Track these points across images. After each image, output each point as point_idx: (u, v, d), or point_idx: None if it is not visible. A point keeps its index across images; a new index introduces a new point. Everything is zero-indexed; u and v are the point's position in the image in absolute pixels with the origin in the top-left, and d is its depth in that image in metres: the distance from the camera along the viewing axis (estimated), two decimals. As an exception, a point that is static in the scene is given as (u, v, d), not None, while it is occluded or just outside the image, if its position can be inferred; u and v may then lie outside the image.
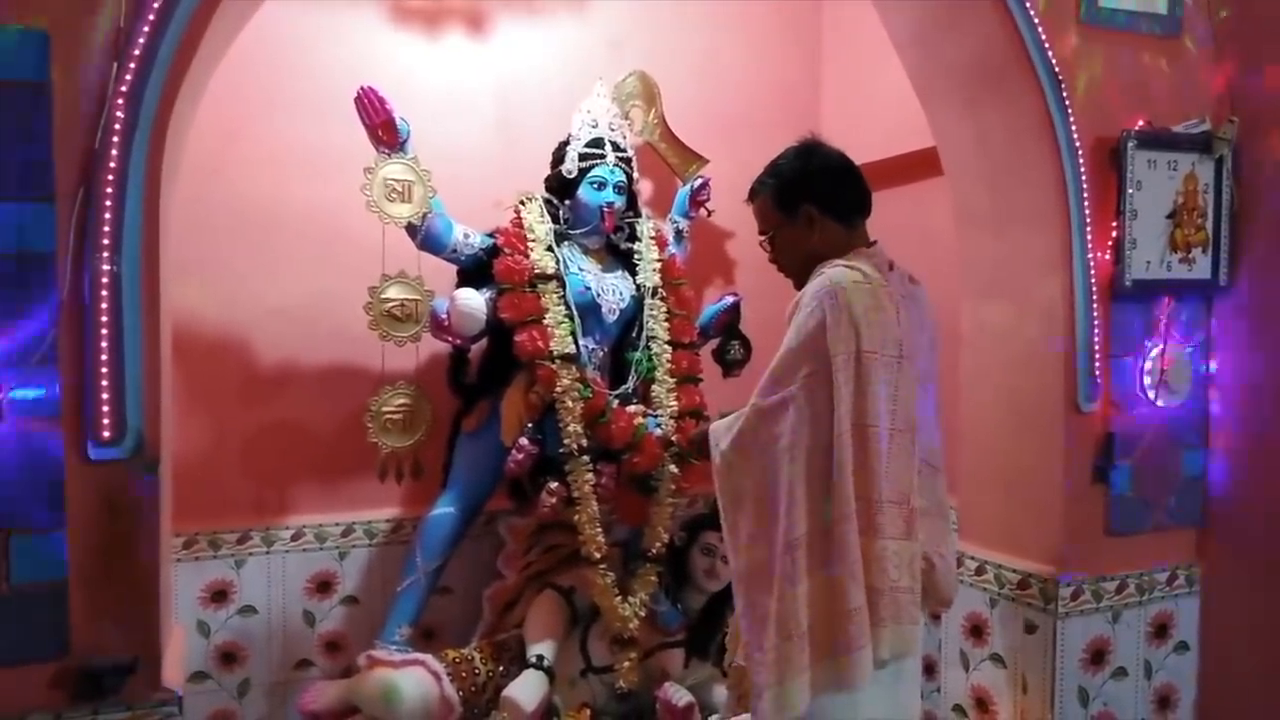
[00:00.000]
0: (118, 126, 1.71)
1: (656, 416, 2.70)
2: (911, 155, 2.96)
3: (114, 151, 1.71)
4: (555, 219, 2.77)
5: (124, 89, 1.72)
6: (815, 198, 1.84)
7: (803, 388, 1.68)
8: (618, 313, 2.76)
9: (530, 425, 2.61)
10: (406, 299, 2.56)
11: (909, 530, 1.76)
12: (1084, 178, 2.38)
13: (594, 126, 2.79)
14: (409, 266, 2.56)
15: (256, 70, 2.73)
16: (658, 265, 2.85)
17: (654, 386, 2.75)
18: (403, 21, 2.95)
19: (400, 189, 2.49)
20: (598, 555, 2.59)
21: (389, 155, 2.48)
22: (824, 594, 1.67)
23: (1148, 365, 2.49)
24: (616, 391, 2.72)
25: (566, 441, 2.57)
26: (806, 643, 1.66)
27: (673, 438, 2.61)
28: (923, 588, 1.82)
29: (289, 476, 2.88)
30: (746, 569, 1.75)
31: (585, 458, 2.58)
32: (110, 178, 1.71)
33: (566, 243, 2.77)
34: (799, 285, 1.85)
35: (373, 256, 2.50)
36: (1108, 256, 2.43)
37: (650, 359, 2.77)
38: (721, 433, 1.81)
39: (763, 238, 1.94)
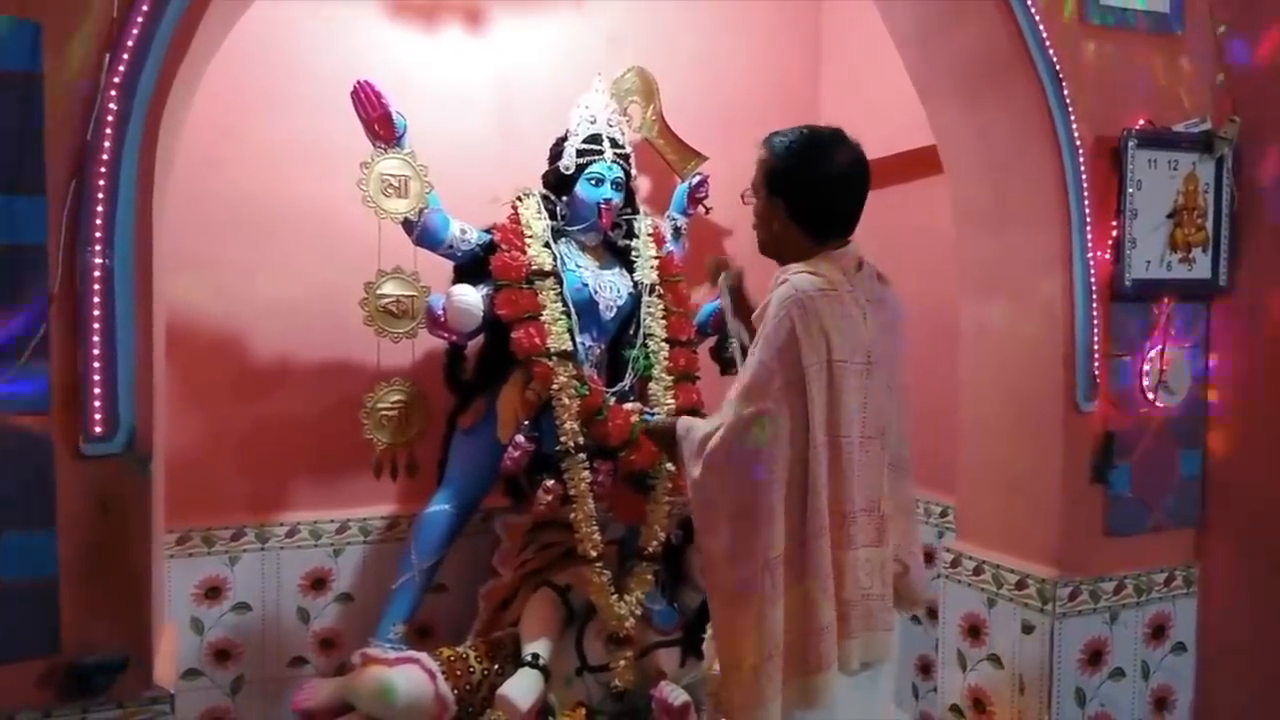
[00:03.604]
0: (110, 118, 1.69)
1: (654, 414, 2.69)
2: (911, 153, 2.95)
3: (107, 144, 1.69)
4: (553, 215, 2.76)
5: (117, 80, 1.70)
6: (786, 200, 1.81)
7: (776, 400, 1.65)
8: (615, 310, 2.75)
9: (527, 423, 2.60)
10: (403, 295, 2.55)
11: (880, 537, 1.77)
12: (1084, 176, 2.37)
13: (592, 122, 2.77)
14: (405, 262, 2.55)
15: (253, 64, 2.72)
16: (655, 262, 2.84)
17: (651, 384, 2.74)
18: (400, 16, 2.94)
19: (397, 184, 2.48)
20: (594, 553, 2.58)
21: (385, 150, 2.46)
22: (798, 609, 1.66)
23: (1147, 365, 2.48)
24: (613, 389, 2.71)
25: (563, 439, 2.56)
26: (783, 662, 1.65)
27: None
28: (897, 592, 1.82)
29: (283, 473, 2.87)
30: (723, 585, 1.73)
31: (582, 455, 2.57)
32: (103, 170, 1.69)
33: (564, 239, 2.75)
34: (760, 249, 1.88)
35: (369, 252, 2.49)
36: (1107, 256, 2.42)
37: (647, 356, 2.76)
38: (695, 444, 1.76)
39: (747, 191, 1.91)
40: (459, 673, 2.53)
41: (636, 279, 2.81)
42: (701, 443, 1.74)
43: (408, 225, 2.53)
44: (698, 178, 3.06)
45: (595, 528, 2.59)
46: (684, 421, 1.86)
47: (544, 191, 2.80)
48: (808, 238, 1.80)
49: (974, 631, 2.56)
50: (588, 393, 2.59)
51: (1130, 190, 2.41)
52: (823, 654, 1.65)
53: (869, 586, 1.73)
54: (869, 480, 1.74)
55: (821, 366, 1.67)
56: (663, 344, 2.78)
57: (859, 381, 1.71)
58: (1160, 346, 2.48)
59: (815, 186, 1.80)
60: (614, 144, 2.77)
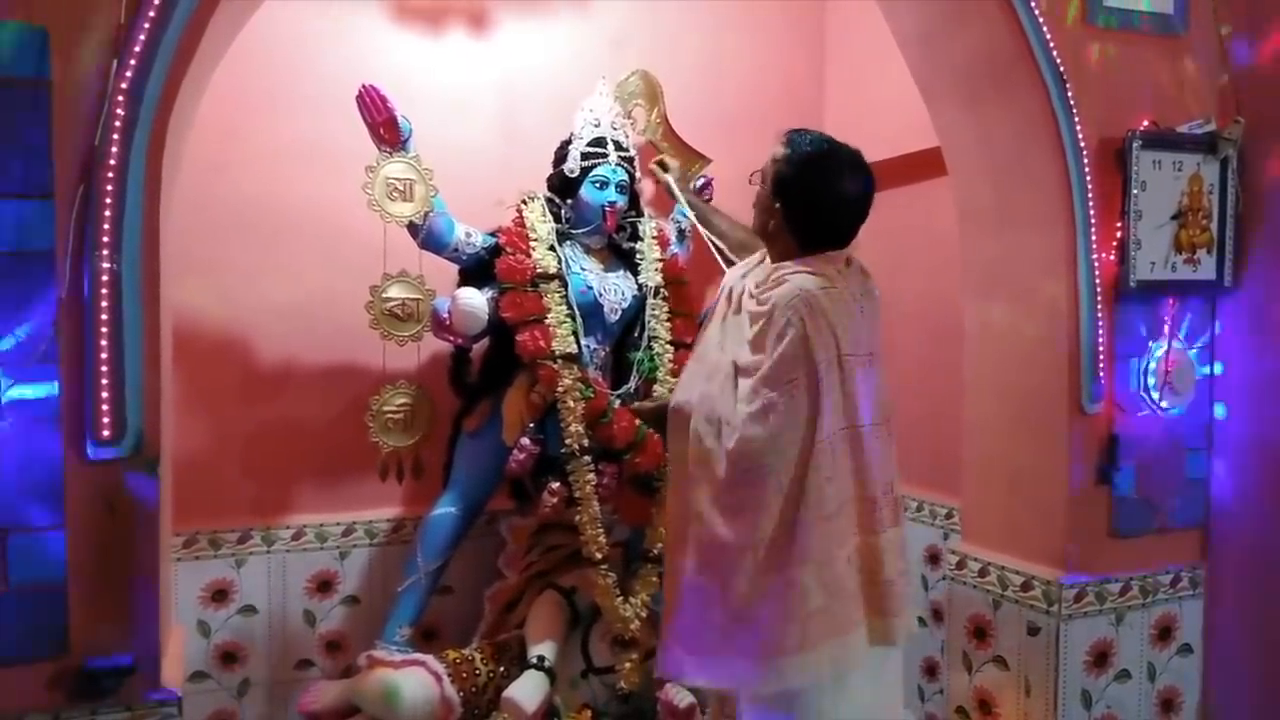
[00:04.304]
0: (118, 124, 1.70)
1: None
2: (915, 155, 2.95)
3: (114, 149, 1.70)
4: (557, 218, 2.76)
5: (124, 86, 1.71)
6: (785, 208, 1.87)
7: (785, 395, 1.73)
8: (619, 312, 2.75)
9: (532, 425, 2.60)
10: (408, 298, 2.56)
11: (896, 517, 1.87)
12: (1088, 178, 2.37)
13: (596, 125, 2.78)
14: (410, 265, 2.56)
15: (258, 68, 2.73)
16: (659, 265, 2.84)
17: (656, 386, 2.74)
18: (405, 20, 2.95)
19: (402, 188, 2.48)
20: (599, 556, 2.58)
21: (390, 154, 2.47)
22: (781, 593, 1.73)
23: (1152, 367, 2.48)
24: (618, 391, 2.71)
25: (568, 441, 2.56)
26: (758, 641, 1.73)
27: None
28: None
29: (289, 475, 2.88)
30: (703, 542, 1.79)
31: (587, 458, 2.57)
32: (110, 175, 1.70)
33: (568, 242, 2.76)
34: (754, 231, 2.01)
35: (374, 255, 2.50)
36: (1112, 257, 2.42)
37: (652, 359, 2.76)
38: (713, 443, 1.80)
39: (756, 174, 1.99)
40: (465, 675, 2.53)
41: (641, 281, 2.81)
42: (717, 435, 1.79)
43: (413, 229, 2.54)
44: (702, 180, 3.06)
45: (600, 530, 2.59)
46: (678, 404, 1.90)
47: (548, 195, 2.80)
48: (796, 245, 1.88)
49: (979, 633, 2.55)
50: (593, 395, 2.59)
51: (1135, 191, 2.41)
52: (810, 635, 1.72)
53: (898, 565, 1.84)
54: (881, 464, 1.84)
55: (832, 362, 1.75)
56: (667, 346, 2.78)
57: (864, 372, 1.81)
58: (1166, 348, 2.48)
59: (815, 207, 1.88)
60: (618, 147, 2.78)
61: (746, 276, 1.96)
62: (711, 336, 1.93)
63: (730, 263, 2.28)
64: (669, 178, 2.68)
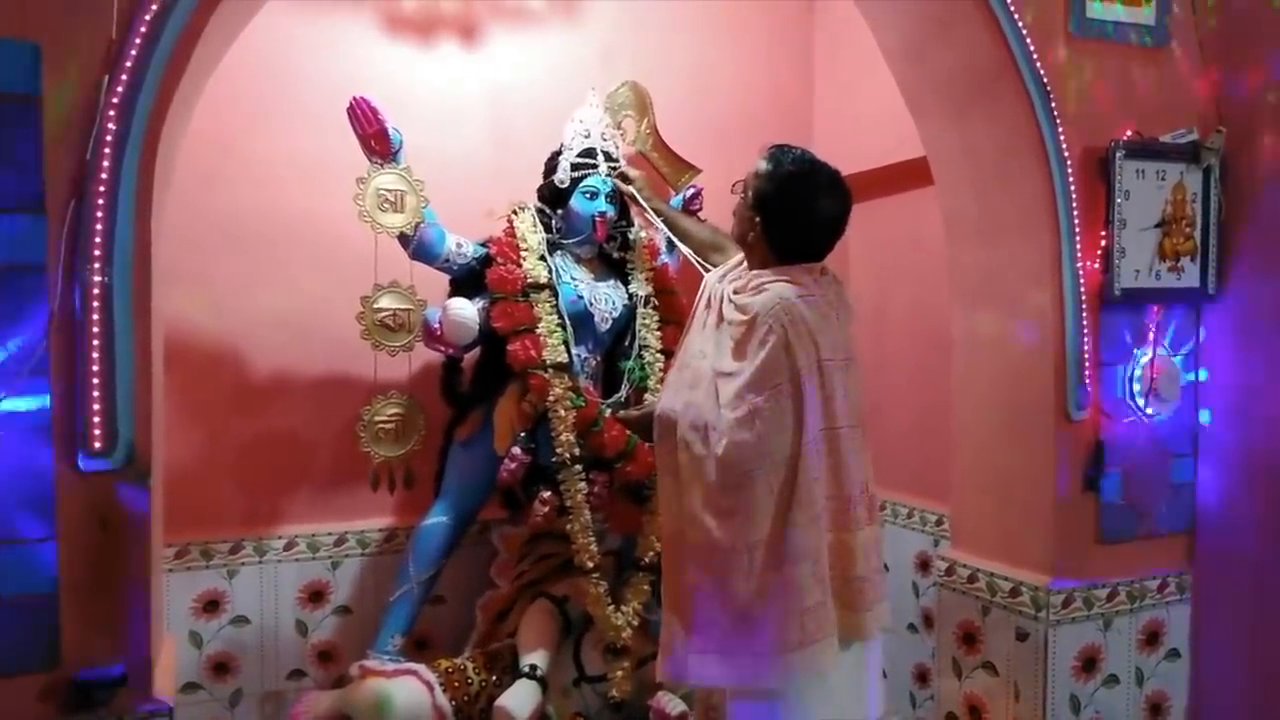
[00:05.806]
0: (109, 138, 1.71)
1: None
2: (902, 165, 2.98)
3: (105, 163, 1.71)
4: (548, 228, 2.78)
5: (115, 101, 1.72)
6: (765, 223, 1.93)
7: (769, 400, 1.78)
8: (610, 322, 2.77)
9: (523, 434, 2.61)
10: (399, 308, 2.57)
11: (871, 516, 1.93)
12: (1073, 187, 2.39)
13: (586, 136, 2.80)
14: (402, 276, 2.57)
15: (250, 80, 2.74)
16: (650, 274, 2.86)
17: (647, 395, 2.75)
18: (395, 31, 2.96)
19: (393, 199, 2.50)
20: (590, 564, 2.59)
21: (381, 165, 2.48)
22: (779, 590, 1.78)
23: (1137, 374, 2.50)
24: (609, 400, 2.73)
25: (559, 451, 2.57)
26: (756, 629, 1.78)
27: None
28: None
29: (281, 486, 2.88)
30: (699, 544, 1.83)
31: (578, 467, 2.58)
32: (102, 189, 1.71)
33: (559, 252, 2.77)
34: (733, 237, 2.09)
35: (365, 266, 2.51)
36: (1097, 265, 2.45)
37: (643, 368, 2.78)
38: (698, 450, 1.85)
39: (738, 184, 2.04)
40: (457, 684, 2.54)
41: (631, 291, 2.83)
42: (704, 440, 1.83)
43: (404, 239, 2.55)
44: (691, 190, 3.08)
45: (592, 539, 2.60)
46: (663, 411, 1.94)
47: (539, 205, 2.81)
48: (773, 257, 1.94)
49: (969, 639, 2.57)
50: (584, 404, 2.60)
51: (1118, 200, 2.44)
52: (809, 630, 1.77)
53: (871, 562, 1.89)
54: (857, 464, 1.90)
55: (813, 368, 1.81)
56: (658, 355, 2.79)
57: (842, 376, 1.87)
58: (1150, 355, 2.51)
59: (793, 224, 1.93)
60: (608, 157, 2.80)
61: (725, 280, 2.01)
62: (693, 344, 1.98)
63: (707, 268, 2.33)
64: (631, 189, 2.74)
